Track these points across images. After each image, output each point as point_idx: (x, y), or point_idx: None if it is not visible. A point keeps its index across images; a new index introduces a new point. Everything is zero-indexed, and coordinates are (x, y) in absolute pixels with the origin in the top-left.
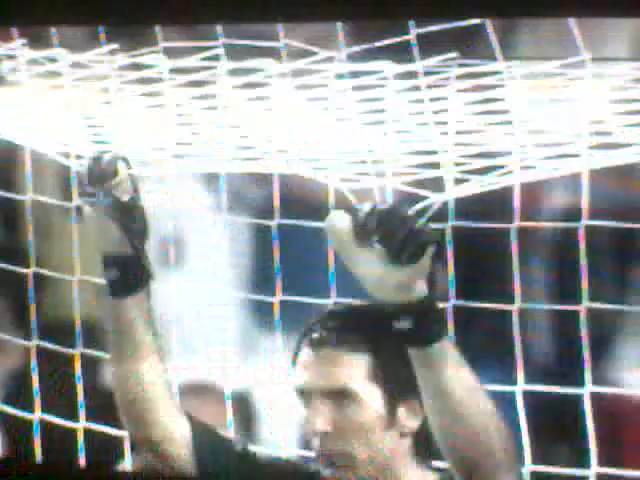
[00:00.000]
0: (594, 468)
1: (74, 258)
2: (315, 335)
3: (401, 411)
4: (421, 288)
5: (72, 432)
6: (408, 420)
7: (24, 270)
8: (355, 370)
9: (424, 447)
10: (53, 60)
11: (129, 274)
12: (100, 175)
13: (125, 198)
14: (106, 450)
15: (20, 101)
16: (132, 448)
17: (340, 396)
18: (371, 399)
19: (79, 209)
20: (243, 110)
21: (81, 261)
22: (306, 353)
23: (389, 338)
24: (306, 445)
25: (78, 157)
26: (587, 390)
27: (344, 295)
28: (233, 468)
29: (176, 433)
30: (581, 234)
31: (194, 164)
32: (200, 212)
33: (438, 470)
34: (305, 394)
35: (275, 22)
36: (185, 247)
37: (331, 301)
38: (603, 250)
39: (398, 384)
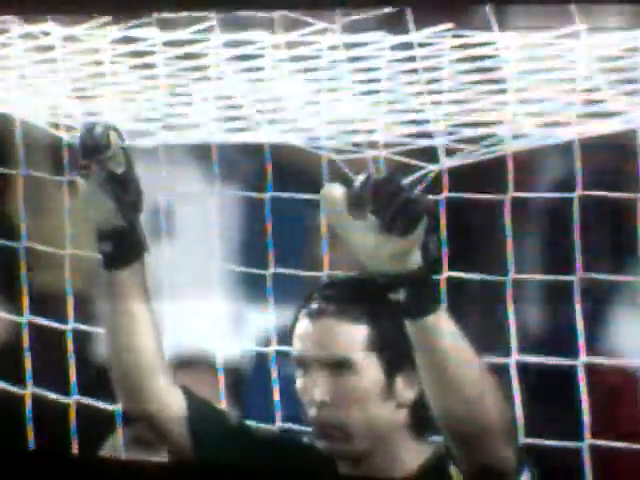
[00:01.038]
0: (587, 440)
1: (66, 232)
2: (314, 305)
3: (398, 382)
4: (415, 259)
5: (65, 408)
6: (405, 391)
7: (15, 245)
8: (353, 340)
9: (420, 419)
10: (46, 34)
11: (123, 247)
12: (93, 147)
13: (119, 171)
14: (98, 426)
15: (12, 73)
16: (126, 423)
17: (338, 366)
18: (369, 369)
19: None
20: (235, 81)
21: (73, 235)
22: (304, 323)
23: (387, 309)
24: (301, 419)
25: (69, 129)
26: (581, 361)
27: (336, 268)
28: (228, 441)
29: (171, 406)
30: (575, 204)
31: (185, 135)
32: (192, 184)
33: (433, 443)
34: (303, 364)
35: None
36: (177, 219)
37: (324, 274)
38: (597, 220)
39: (396, 355)
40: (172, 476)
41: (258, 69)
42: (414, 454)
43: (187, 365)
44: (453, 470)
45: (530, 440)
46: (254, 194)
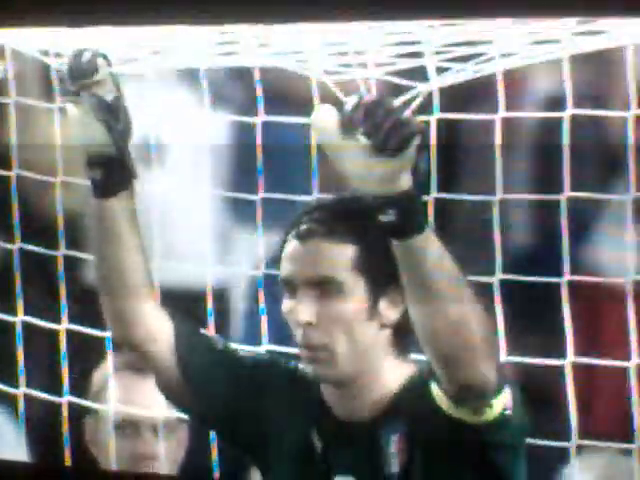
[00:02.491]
0: (570, 357)
1: (57, 159)
2: (302, 226)
3: (383, 302)
4: (406, 180)
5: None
6: (389, 311)
7: (7, 173)
8: (341, 261)
9: (403, 339)
10: None
11: (113, 174)
12: (81, 73)
13: (109, 97)
14: (88, 355)
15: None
16: (115, 350)
17: (325, 287)
18: (355, 290)
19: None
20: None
21: (64, 162)
22: (293, 244)
23: (375, 230)
24: (286, 343)
25: (58, 55)
26: (564, 279)
27: (326, 191)
28: (215, 366)
29: (158, 332)
30: (566, 123)
31: (174, 60)
32: (182, 110)
33: (416, 362)
34: (291, 285)
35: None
36: (166, 146)
37: (313, 198)
38: (585, 140)
39: (382, 275)
40: None
41: None
42: (396, 374)
43: (175, 291)
44: (435, 389)
45: (512, 358)
46: (244, 118)
